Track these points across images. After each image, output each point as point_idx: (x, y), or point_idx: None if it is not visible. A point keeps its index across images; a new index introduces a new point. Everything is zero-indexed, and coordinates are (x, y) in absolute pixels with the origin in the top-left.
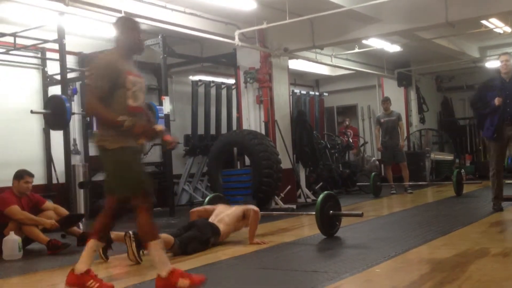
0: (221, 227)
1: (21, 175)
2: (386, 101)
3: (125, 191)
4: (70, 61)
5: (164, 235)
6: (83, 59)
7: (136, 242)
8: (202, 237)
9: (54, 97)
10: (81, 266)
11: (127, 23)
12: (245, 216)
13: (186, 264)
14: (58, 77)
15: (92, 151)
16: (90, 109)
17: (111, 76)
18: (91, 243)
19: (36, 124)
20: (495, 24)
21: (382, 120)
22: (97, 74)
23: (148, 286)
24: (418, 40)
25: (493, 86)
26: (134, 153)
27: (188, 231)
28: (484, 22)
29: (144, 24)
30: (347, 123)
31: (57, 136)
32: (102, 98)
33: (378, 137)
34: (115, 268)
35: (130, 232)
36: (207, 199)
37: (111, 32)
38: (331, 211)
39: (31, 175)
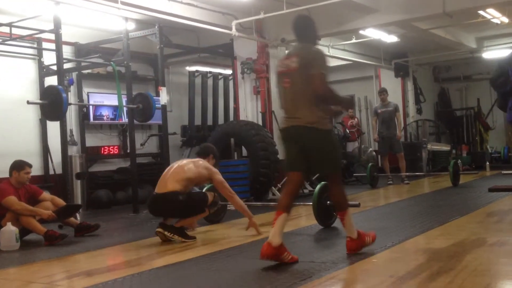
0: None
1: (21, 166)
2: (382, 93)
3: (331, 168)
4: (67, 51)
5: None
6: (79, 49)
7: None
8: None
9: (51, 87)
10: (276, 239)
11: (310, 19)
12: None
13: (184, 255)
14: (55, 68)
15: (89, 141)
16: (326, 90)
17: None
18: (282, 217)
19: (32, 114)
20: (492, 15)
21: (379, 111)
22: (324, 63)
23: (146, 277)
24: (415, 31)
25: None
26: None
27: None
28: (481, 12)
29: (140, 14)
30: (351, 113)
31: (53, 127)
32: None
33: (375, 128)
34: (113, 259)
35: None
36: (204, 189)
37: (106, 22)
38: (328, 202)
39: (30, 166)
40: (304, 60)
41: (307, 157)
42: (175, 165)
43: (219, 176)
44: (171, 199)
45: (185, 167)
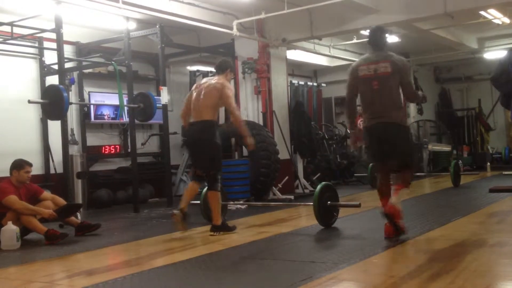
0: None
1: (21, 165)
2: None
3: (405, 158)
4: (68, 51)
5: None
6: (81, 49)
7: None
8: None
9: (52, 86)
10: (397, 202)
11: (385, 30)
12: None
13: (184, 254)
14: (56, 67)
15: (90, 141)
16: (414, 95)
17: None
18: (404, 190)
19: (33, 114)
20: (493, 15)
21: None
22: (409, 71)
23: (146, 276)
24: (416, 31)
25: None
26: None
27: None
28: (482, 13)
29: (141, 13)
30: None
31: (54, 126)
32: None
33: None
34: (113, 258)
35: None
36: (204, 189)
37: (107, 22)
38: (329, 202)
39: (30, 165)
40: (397, 67)
41: (388, 148)
42: (202, 92)
43: (228, 91)
44: (206, 133)
45: (209, 93)
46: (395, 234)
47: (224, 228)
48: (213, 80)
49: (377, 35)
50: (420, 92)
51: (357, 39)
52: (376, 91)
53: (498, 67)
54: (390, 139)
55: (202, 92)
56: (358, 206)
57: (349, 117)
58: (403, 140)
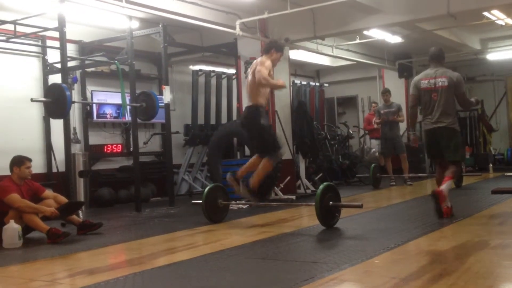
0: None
1: (22, 161)
2: (385, 93)
3: (458, 157)
4: (71, 50)
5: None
6: (84, 48)
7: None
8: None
9: (54, 85)
10: (446, 189)
11: (443, 50)
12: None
13: (186, 254)
14: (59, 66)
15: (92, 140)
16: (467, 104)
17: None
18: (451, 181)
19: (36, 112)
20: (497, 16)
21: (382, 112)
22: (464, 84)
23: (148, 275)
24: (419, 32)
25: None
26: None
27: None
28: (486, 13)
29: (144, 12)
30: (374, 108)
31: (57, 125)
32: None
33: (378, 129)
34: (115, 257)
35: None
36: (206, 189)
37: (110, 21)
38: (330, 202)
39: (30, 160)
40: (452, 82)
41: (443, 146)
42: (249, 77)
43: (264, 69)
44: (249, 117)
45: (251, 76)
46: (451, 214)
47: (255, 197)
48: (256, 64)
49: (438, 54)
50: (473, 99)
51: (360, 39)
52: (435, 101)
53: None
54: (445, 139)
55: (249, 78)
56: (360, 206)
57: (410, 120)
58: (454, 141)
